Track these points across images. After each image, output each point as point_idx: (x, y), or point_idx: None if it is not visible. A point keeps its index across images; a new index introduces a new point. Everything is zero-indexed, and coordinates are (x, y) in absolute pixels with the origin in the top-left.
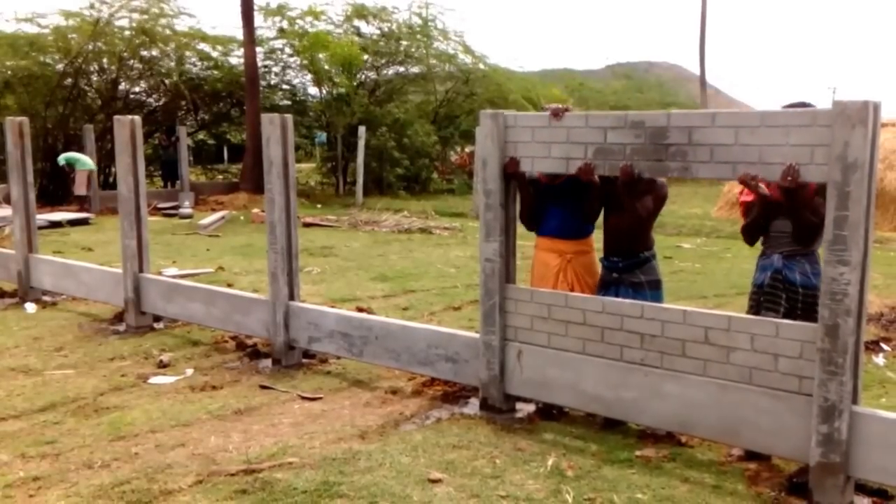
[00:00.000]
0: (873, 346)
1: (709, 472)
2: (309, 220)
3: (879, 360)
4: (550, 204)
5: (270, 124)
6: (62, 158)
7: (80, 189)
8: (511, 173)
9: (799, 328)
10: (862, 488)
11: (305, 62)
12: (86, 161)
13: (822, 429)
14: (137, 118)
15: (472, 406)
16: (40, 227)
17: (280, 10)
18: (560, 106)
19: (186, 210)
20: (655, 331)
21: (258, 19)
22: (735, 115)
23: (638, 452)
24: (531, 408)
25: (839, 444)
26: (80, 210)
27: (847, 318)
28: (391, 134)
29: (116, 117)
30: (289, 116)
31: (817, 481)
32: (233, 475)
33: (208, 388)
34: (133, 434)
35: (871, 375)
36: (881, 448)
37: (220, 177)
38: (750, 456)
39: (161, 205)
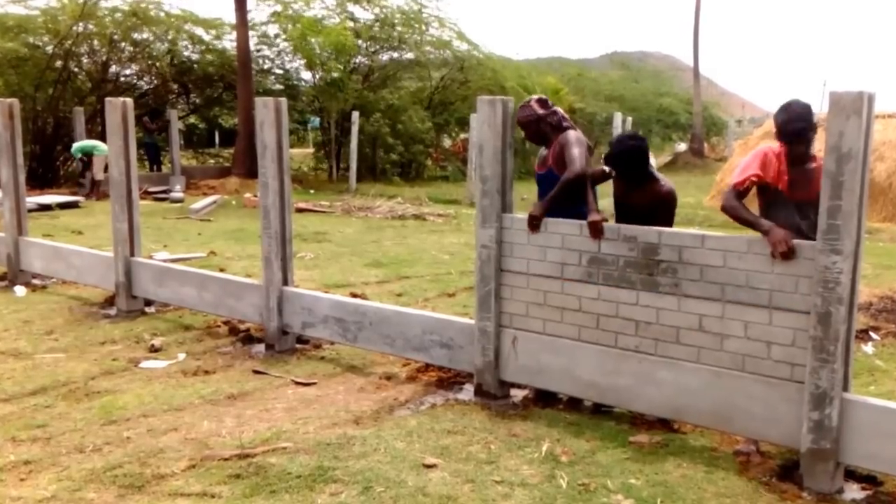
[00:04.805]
0: (862, 335)
1: (701, 458)
2: (302, 205)
3: (868, 348)
4: (538, 190)
5: (265, 108)
6: (77, 150)
7: (99, 174)
8: None
9: (792, 316)
10: (851, 474)
11: (296, 47)
12: (102, 147)
13: (814, 416)
14: (129, 100)
15: (467, 392)
16: (30, 210)
17: None
18: (535, 215)
19: (178, 194)
20: (650, 318)
21: (251, 3)
22: (723, 240)
23: (631, 438)
24: (525, 393)
25: (830, 431)
26: (96, 195)
27: (839, 307)
28: (385, 120)
29: (108, 99)
30: (283, 100)
31: (808, 467)
32: (226, 460)
33: (201, 372)
34: (125, 418)
35: (860, 364)
36: (871, 435)
37: (212, 161)
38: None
39: (151, 189)
